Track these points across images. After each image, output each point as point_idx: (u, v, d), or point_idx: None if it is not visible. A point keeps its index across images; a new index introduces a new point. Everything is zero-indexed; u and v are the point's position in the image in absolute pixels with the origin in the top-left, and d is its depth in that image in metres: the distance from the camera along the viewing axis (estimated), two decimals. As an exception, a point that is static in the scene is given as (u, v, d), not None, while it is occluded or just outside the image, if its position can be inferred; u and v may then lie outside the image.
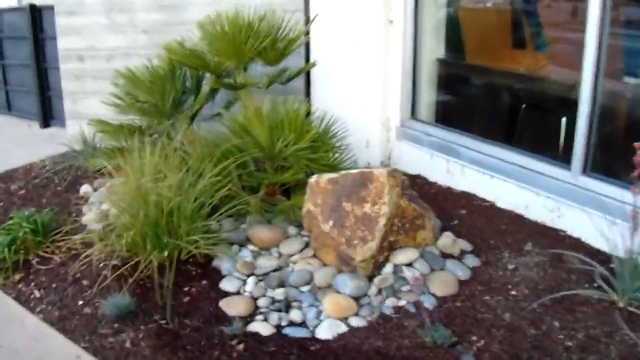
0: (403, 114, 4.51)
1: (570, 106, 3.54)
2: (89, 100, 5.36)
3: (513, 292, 2.94)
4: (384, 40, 4.39)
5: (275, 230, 3.42)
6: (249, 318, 2.85)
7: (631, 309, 2.75)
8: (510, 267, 3.14)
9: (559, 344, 2.58)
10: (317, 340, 2.69)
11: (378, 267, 3.06)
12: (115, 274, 3.10)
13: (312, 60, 4.62)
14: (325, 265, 3.14)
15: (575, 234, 3.39)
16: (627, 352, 2.50)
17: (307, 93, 4.84)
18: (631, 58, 3.60)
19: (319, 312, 2.85)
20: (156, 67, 4.17)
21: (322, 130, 3.81)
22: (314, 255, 3.23)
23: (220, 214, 3.33)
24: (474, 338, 2.64)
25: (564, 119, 3.78)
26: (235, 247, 3.34)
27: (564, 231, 3.46)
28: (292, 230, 3.47)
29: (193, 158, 3.48)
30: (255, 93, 4.22)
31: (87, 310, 3.03)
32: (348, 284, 2.91)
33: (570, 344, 2.58)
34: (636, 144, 2.62)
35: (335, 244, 3.04)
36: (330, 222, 3.05)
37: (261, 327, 2.76)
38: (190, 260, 3.26)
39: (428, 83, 4.55)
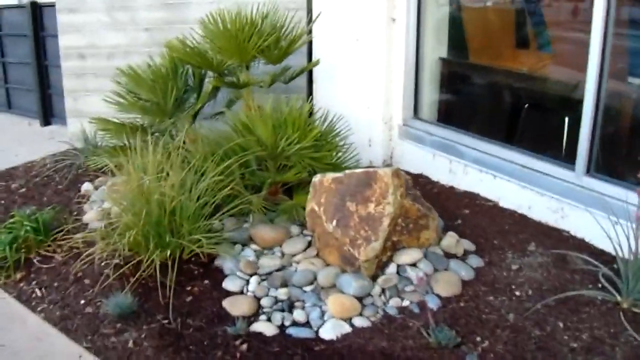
0: (405, 113, 4.49)
1: (574, 106, 3.53)
2: (90, 98, 5.34)
3: (517, 293, 2.93)
4: (386, 39, 4.38)
5: (278, 230, 3.41)
6: (252, 318, 2.84)
7: (636, 310, 2.74)
8: (514, 267, 3.13)
9: (563, 345, 2.57)
10: (322, 341, 2.68)
11: (381, 267, 3.05)
12: (117, 273, 3.09)
13: (314, 58, 4.61)
14: (328, 265, 3.13)
15: (579, 235, 3.38)
16: (632, 353, 2.50)
17: (309, 92, 4.83)
18: (636, 58, 3.58)
19: (323, 312, 2.84)
20: (158, 65, 4.16)
21: (325, 129, 3.79)
22: (317, 255, 3.22)
23: (223, 213, 3.32)
24: (479, 339, 2.63)
25: (567, 119, 3.77)
26: (237, 247, 3.33)
27: (567, 231, 3.45)
28: (294, 229, 3.46)
29: (195, 157, 3.46)
30: (257, 92, 4.21)
31: (89, 309, 3.01)
32: (352, 284, 2.89)
33: (575, 345, 2.57)
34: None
35: (338, 243, 3.03)
36: (334, 222, 3.04)
37: (265, 327, 2.75)
38: (193, 259, 3.25)
39: (431, 82, 4.54)
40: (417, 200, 3.18)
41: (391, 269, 3.04)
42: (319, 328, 2.75)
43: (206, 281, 3.12)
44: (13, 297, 3.24)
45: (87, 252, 3.21)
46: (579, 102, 3.35)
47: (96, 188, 4.34)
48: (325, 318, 2.80)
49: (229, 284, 3.07)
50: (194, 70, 4.29)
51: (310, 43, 4.63)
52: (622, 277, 2.79)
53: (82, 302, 3.07)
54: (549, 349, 2.55)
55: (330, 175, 3.16)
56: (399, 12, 4.33)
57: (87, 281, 3.21)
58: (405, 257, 3.07)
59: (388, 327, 2.74)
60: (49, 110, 6.80)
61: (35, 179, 4.73)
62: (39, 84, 6.70)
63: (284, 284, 3.02)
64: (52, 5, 5.70)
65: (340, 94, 4.58)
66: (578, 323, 2.69)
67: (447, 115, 4.56)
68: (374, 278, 2.98)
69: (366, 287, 2.91)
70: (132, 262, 3.12)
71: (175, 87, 4.05)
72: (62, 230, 3.58)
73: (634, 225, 2.81)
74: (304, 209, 3.35)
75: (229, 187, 3.34)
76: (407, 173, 3.99)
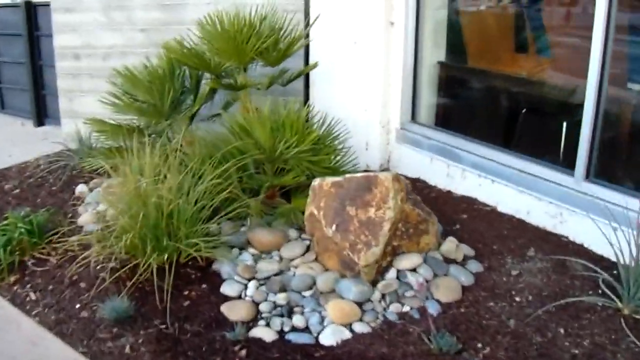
0: (403, 117, 4.48)
1: (573, 111, 3.53)
2: (85, 99, 5.29)
3: (517, 299, 2.92)
4: (385, 42, 4.36)
5: (275, 234, 3.38)
6: (251, 323, 2.81)
7: (637, 316, 2.74)
8: (514, 273, 3.12)
9: (565, 352, 2.56)
10: (321, 347, 2.65)
11: (381, 272, 3.02)
12: (114, 277, 3.05)
13: (311, 61, 4.58)
14: (327, 269, 3.10)
15: (578, 240, 3.38)
16: (633, 360, 2.49)
17: (306, 94, 4.80)
18: (636, 64, 3.59)
19: (322, 318, 2.81)
20: (155, 66, 4.12)
21: (323, 132, 3.77)
22: (316, 260, 3.19)
23: (221, 217, 3.29)
24: (480, 345, 2.61)
25: (566, 124, 3.77)
26: (235, 251, 3.30)
27: (566, 237, 3.44)
28: (292, 233, 3.43)
29: (193, 159, 3.43)
30: (254, 94, 4.18)
31: (84, 313, 2.97)
32: (352, 289, 2.87)
33: (576, 351, 2.56)
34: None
35: (338, 248, 3.01)
36: (334, 226, 3.01)
37: (264, 333, 2.72)
38: (190, 263, 3.22)
39: (429, 86, 4.52)
40: (417, 205, 3.17)
41: (391, 274, 3.01)
42: (318, 334, 2.73)
43: (204, 285, 3.09)
44: (7, 301, 3.20)
45: (82, 255, 3.17)
46: (578, 107, 3.34)
47: (91, 190, 4.29)
48: (325, 323, 2.78)
49: (226, 289, 3.03)
50: (190, 71, 4.25)
51: (307, 45, 4.60)
52: (623, 283, 2.78)
53: (78, 306, 3.03)
54: (551, 355, 2.54)
55: (330, 179, 3.13)
56: (398, 16, 4.31)
57: (82, 285, 3.17)
58: (405, 262, 3.05)
59: (388, 332, 2.72)
60: (42, 111, 6.74)
61: (29, 180, 4.68)
62: (33, 84, 6.64)
63: (283, 289, 2.99)
64: (47, 5, 5.65)
65: (338, 96, 4.56)
66: (579, 329, 2.68)
67: (445, 120, 4.55)
68: (373, 283, 2.96)
69: (366, 292, 2.89)
70: (129, 266, 3.08)
71: (172, 88, 4.02)
72: (56, 233, 3.54)
73: (634, 233, 2.80)
74: (302, 212, 3.32)
75: (227, 191, 3.31)
76: (405, 177, 3.98)
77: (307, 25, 4.38)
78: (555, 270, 3.11)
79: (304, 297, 2.96)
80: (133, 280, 3.03)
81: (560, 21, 4.41)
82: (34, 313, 3.06)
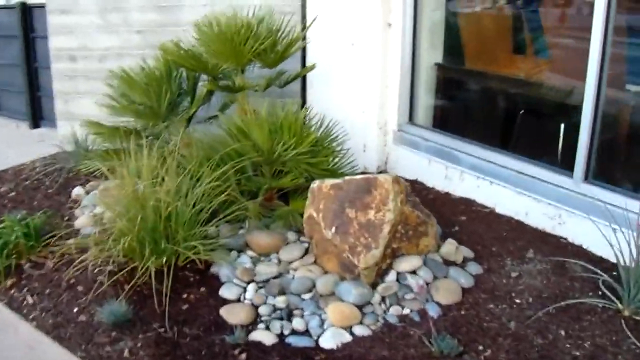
0: (401, 118, 4.47)
1: (571, 112, 3.52)
2: (81, 101, 5.27)
3: (517, 300, 2.91)
4: (382, 44, 4.35)
5: (274, 236, 3.36)
6: (250, 326, 2.79)
7: (637, 317, 2.74)
8: (513, 274, 3.11)
9: (566, 353, 2.55)
10: (322, 350, 2.64)
11: (381, 274, 3.01)
12: (112, 280, 3.03)
13: (308, 63, 4.57)
14: (326, 272, 3.09)
15: (577, 242, 3.37)
16: (635, 362, 2.49)
17: (303, 96, 4.79)
18: (634, 65, 3.59)
19: (322, 321, 2.80)
20: (152, 68, 4.10)
21: (321, 134, 3.75)
22: (315, 262, 3.17)
23: (219, 220, 3.27)
24: (481, 347, 2.60)
25: (565, 125, 3.76)
26: (233, 253, 3.28)
27: (565, 238, 3.44)
28: (291, 236, 3.41)
29: (191, 162, 3.41)
30: (251, 96, 4.16)
31: (82, 317, 2.95)
32: (352, 291, 2.86)
33: (577, 353, 2.55)
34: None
35: (337, 250, 2.99)
36: (333, 229, 3.00)
37: (263, 336, 2.71)
38: (188, 266, 3.20)
39: (426, 87, 4.52)
40: (416, 207, 3.16)
41: (391, 276, 3.00)
42: (318, 337, 2.71)
43: (202, 288, 3.07)
44: (4, 305, 3.17)
45: (80, 258, 3.14)
46: (577, 108, 3.34)
47: (87, 192, 4.27)
48: (325, 327, 2.76)
49: (225, 292, 3.02)
50: (187, 73, 4.23)
51: (304, 47, 4.59)
52: (623, 285, 2.78)
53: (76, 309, 3.01)
54: (552, 357, 2.53)
55: (329, 181, 3.12)
56: (395, 17, 4.31)
57: (80, 288, 3.14)
58: (405, 264, 3.04)
59: (389, 335, 2.71)
60: (38, 113, 6.72)
61: (25, 183, 4.65)
62: (28, 86, 6.62)
63: (282, 292, 2.97)
64: (42, 6, 5.63)
65: (335, 98, 4.55)
66: (580, 331, 2.68)
67: (443, 121, 4.54)
68: (373, 286, 2.95)
69: (366, 295, 2.88)
70: (127, 269, 3.06)
71: (169, 90, 4.00)
72: (53, 236, 3.51)
73: (634, 234, 2.80)
74: (301, 215, 3.31)
75: (225, 193, 3.29)
76: (403, 179, 3.97)
77: (304, 27, 4.37)
78: (554, 272, 3.11)
79: (303, 300, 2.94)
80: (131, 284, 3.01)
81: (558, 22, 4.41)
82: (31, 317, 3.03)
